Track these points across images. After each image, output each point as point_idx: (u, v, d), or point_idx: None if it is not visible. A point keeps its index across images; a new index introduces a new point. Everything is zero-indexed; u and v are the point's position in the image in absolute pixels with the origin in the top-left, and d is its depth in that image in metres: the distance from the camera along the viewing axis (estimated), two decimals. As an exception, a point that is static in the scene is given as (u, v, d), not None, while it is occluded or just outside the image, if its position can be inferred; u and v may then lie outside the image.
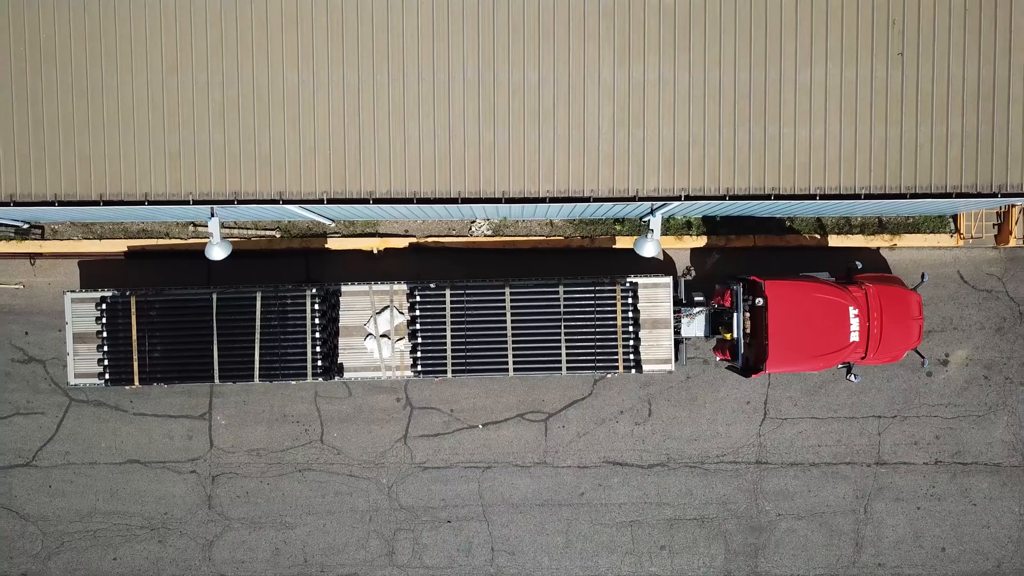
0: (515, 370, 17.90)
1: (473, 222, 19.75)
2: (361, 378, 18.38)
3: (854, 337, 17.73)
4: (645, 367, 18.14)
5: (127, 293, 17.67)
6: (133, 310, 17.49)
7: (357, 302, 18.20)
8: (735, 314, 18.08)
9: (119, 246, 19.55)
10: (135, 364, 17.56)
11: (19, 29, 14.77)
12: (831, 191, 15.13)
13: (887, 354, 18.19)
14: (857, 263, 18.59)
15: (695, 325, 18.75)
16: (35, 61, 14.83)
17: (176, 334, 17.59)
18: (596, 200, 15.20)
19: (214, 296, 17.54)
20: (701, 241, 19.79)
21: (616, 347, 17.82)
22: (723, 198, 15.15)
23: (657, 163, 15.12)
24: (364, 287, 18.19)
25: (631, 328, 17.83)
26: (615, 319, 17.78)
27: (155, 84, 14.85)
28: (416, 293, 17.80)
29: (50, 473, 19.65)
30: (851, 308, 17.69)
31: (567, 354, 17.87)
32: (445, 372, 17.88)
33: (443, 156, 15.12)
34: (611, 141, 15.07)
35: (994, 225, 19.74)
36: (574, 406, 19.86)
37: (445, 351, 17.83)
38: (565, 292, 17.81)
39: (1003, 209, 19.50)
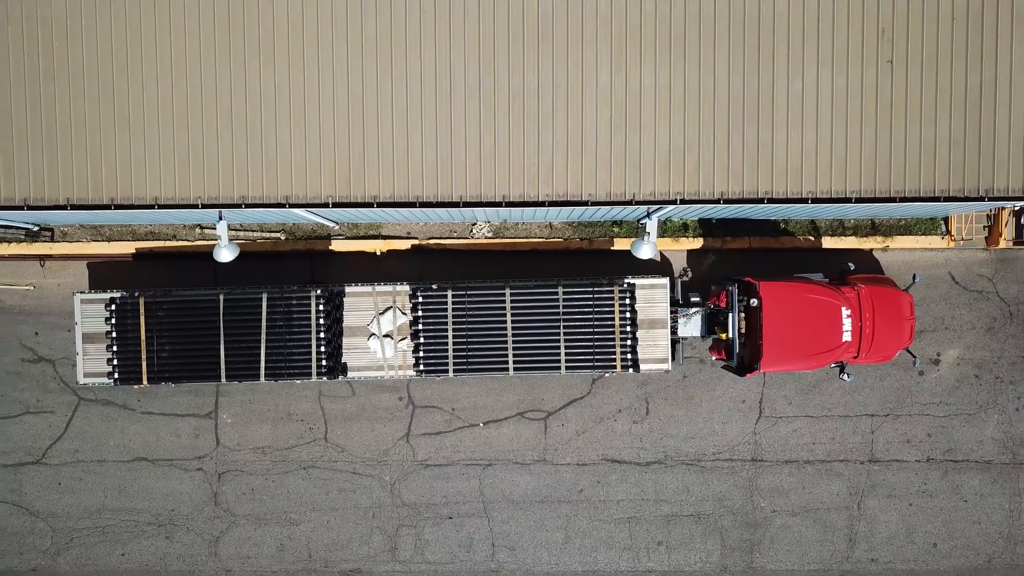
0: (515, 369, 18.05)
1: (474, 224, 19.91)
2: (364, 377, 18.55)
3: (846, 337, 17.87)
4: (642, 366, 18.27)
5: (136, 294, 17.85)
6: (142, 311, 17.70)
7: (360, 303, 18.35)
8: (730, 314, 18.18)
9: (127, 248, 19.74)
10: (143, 363, 17.77)
11: (32, 37, 14.97)
12: (822, 195, 15.26)
13: (879, 353, 18.34)
14: (850, 264, 18.73)
15: (691, 325, 18.86)
16: (48, 68, 15.01)
17: (184, 334, 17.78)
18: (594, 204, 15.32)
19: (221, 297, 17.73)
20: (697, 243, 19.93)
21: (614, 347, 17.99)
22: (717, 202, 15.29)
23: (653, 167, 15.25)
24: (367, 288, 18.33)
25: (629, 328, 17.99)
26: (613, 319, 17.94)
27: (164, 90, 15.01)
28: (418, 294, 17.94)
29: (59, 471, 19.85)
30: (843, 308, 17.85)
31: (566, 354, 18.02)
32: (447, 371, 18.04)
33: (445, 160, 15.25)
34: (608, 146, 15.20)
35: (984, 227, 19.87)
36: (573, 405, 20.02)
37: (447, 351, 17.99)
38: (564, 293, 17.96)
39: (993, 212, 19.63)
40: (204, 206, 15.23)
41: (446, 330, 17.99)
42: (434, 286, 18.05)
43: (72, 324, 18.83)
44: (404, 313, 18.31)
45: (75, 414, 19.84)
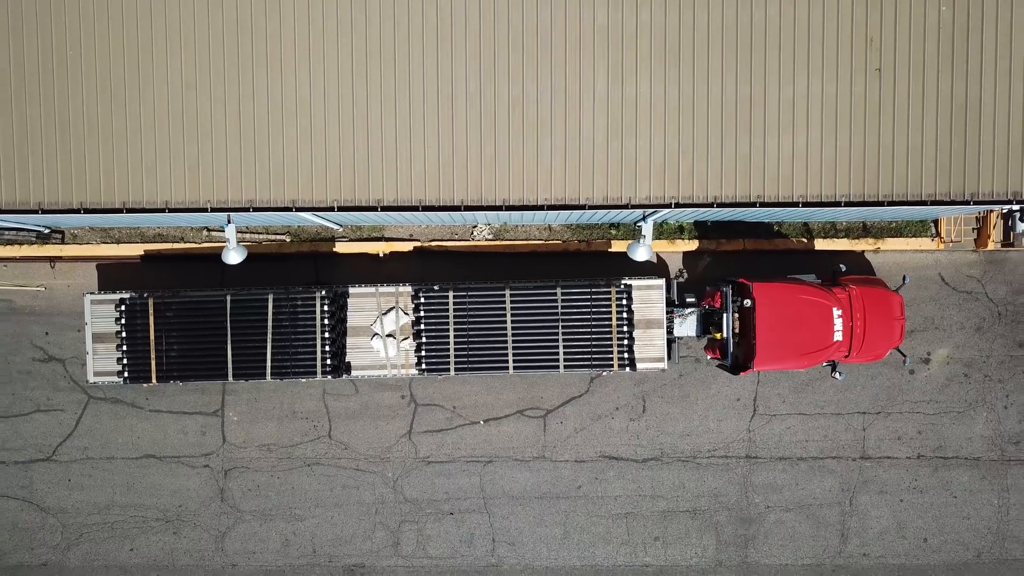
0: (515, 368, 18.19)
1: (475, 227, 20.06)
2: (368, 376, 18.67)
3: (838, 336, 18.00)
4: (639, 365, 18.39)
5: (145, 295, 18.03)
6: (151, 311, 17.91)
7: (364, 303, 18.46)
8: (725, 315, 18.28)
9: (135, 250, 19.91)
10: (152, 362, 17.99)
11: (47, 47, 15.19)
12: (813, 199, 15.43)
13: (870, 353, 18.48)
14: (841, 266, 18.87)
15: (687, 325, 18.96)
16: (61, 76, 15.23)
17: (192, 334, 17.99)
18: (591, 207, 15.49)
19: (228, 298, 17.94)
20: (693, 245, 20.06)
21: (611, 346, 18.15)
22: (711, 205, 15.46)
23: (649, 172, 15.40)
24: (371, 289, 18.45)
25: (626, 328, 18.14)
26: (610, 319, 18.11)
27: (175, 98, 15.21)
28: (420, 295, 18.09)
29: (69, 467, 20.03)
30: (835, 309, 17.99)
31: (565, 353, 18.17)
32: (448, 370, 18.19)
33: (447, 165, 15.41)
34: (605, 151, 15.36)
35: (973, 229, 20.07)
36: (571, 403, 20.16)
37: (448, 350, 18.16)
38: (563, 294, 18.11)
39: (982, 214, 19.84)
40: (213, 210, 15.43)
41: (447, 330, 18.15)
42: (436, 287, 18.20)
43: (81, 324, 19.01)
44: (406, 313, 18.42)
45: (84, 412, 20.01)
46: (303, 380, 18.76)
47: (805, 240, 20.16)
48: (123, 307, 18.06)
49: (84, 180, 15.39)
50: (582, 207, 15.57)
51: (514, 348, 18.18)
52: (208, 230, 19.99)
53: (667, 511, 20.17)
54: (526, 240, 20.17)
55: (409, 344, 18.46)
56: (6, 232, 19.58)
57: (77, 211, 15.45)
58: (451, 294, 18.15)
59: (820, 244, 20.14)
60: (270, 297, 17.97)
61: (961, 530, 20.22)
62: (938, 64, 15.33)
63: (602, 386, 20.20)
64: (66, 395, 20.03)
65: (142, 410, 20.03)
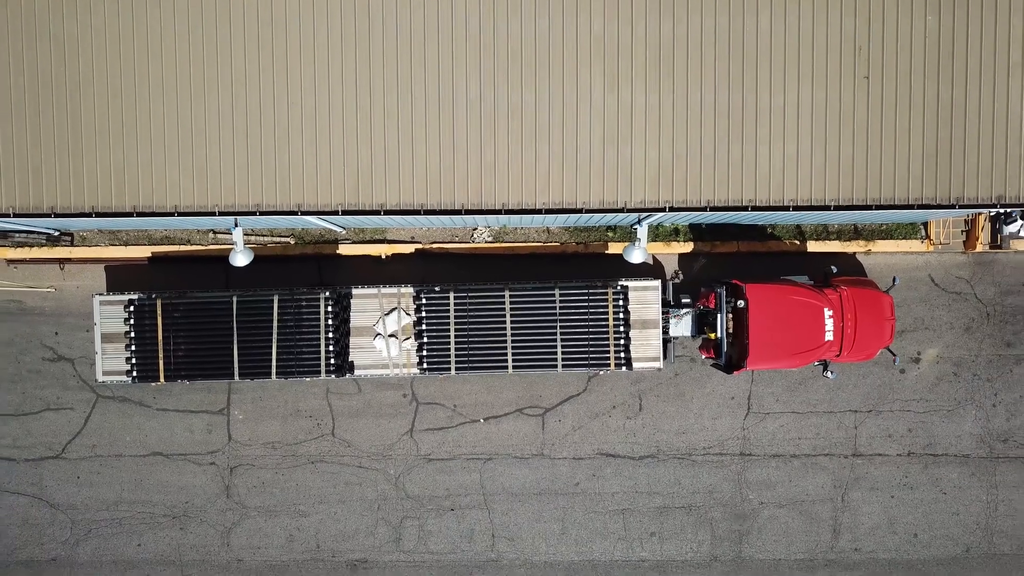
0: (514, 368, 18.38)
1: (475, 229, 20.22)
2: (370, 375, 18.78)
3: (828, 336, 18.19)
4: (635, 365, 18.55)
5: (153, 296, 18.21)
6: (159, 312, 18.12)
7: (367, 304, 18.59)
8: (719, 315, 18.46)
9: (143, 252, 20.09)
10: (160, 362, 18.19)
11: (60, 54, 15.46)
12: (803, 203, 15.61)
13: (861, 352, 18.67)
14: (833, 267, 19.02)
15: (682, 325, 19.12)
16: (74, 84, 15.49)
17: (198, 334, 18.19)
18: (588, 211, 15.68)
19: (234, 299, 18.13)
20: (688, 247, 20.23)
21: (608, 346, 18.32)
22: (704, 209, 15.66)
23: (644, 177, 15.59)
24: (373, 290, 18.58)
25: (622, 328, 18.32)
26: (607, 320, 18.29)
27: (184, 105, 15.45)
28: (422, 296, 18.26)
29: (78, 465, 20.20)
30: (826, 310, 18.19)
31: (563, 353, 18.36)
32: (449, 370, 18.38)
33: (448, 171, 15.61)
34: (601, 157, 15.56)
35: (962, 232, 20.28)
36: (569, 401, 20.34)
37: (449, 350, 18.35)
38: (561, 295, 18.29)
39: (970, 217, 20.04)
40: (221, 213, 15.62)
41: (448, 330, 18.34)
42: (437, 288, 18.38)
43: (90, 324, 19.08)
44: (408, 314, 18.57)
45: (93, 411, 20.17)
46: (307, 379, 18.96)
47: (798, 242, 20.31)
48: (132, 308, 18.23)
49: (95, 185, 15.61)
50: (579, 211, 15.76)
51: (513, 348, 18.36)
52: (214, 232, 20.15)
53: (663, 507, 20.35)
54: (525, 242, 20.37)
55: (411, 344, 18.59)
56: (16, 235, 19.87)
57: (88, 215, 15.67)
58: (452, 295, 18.34)
59: (812, 246, 20.28)
60: (275, 298, 18.16)
61: (950, 526, 20.41)
62: (924, 72, 15.55)
63: (599, 385, 20.40)
64: (75, 394, 20.21)
65: (149, 409, 20.19)
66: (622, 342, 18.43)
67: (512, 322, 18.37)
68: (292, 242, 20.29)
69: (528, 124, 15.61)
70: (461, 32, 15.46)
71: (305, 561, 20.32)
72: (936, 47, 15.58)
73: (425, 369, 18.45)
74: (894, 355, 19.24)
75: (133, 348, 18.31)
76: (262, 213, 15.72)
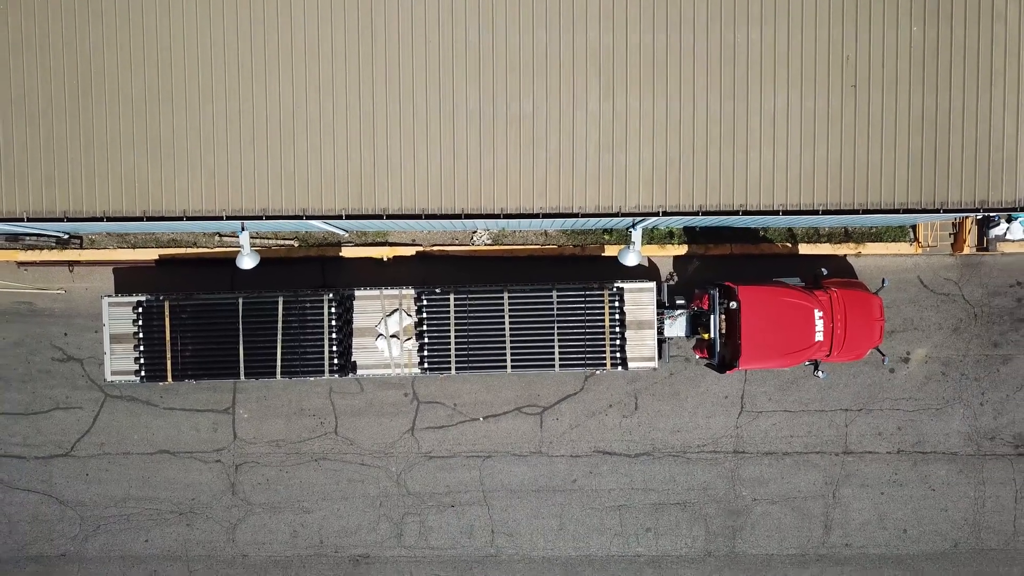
0: (513, 367, 18.53)
1: (474, 232, 20.43)
2: (372, 375, 18.96)
3: (818, 337, 18.42)
4: (631, 364, 18.73)
5: (160, 298, 18.37)
6: (167, 313, 18.29)
7: (369, 305, 18.79)
8: (712, 316, 18.70)
9: (151, 254, 20.28)
10: (168, 362, 18.34)
11: (72, 64, 15.79)
12: (792, 207, 15.94)
13: (851, 352, 18.88)
14: (823, 269, 19.23)
15: (677, 326, 19.33)
16: (86, 93, 15.82)
17: (205, 335, 18.36)
18: (584, 216, 16.00)
19: (240, 300, 18.30)
20: (682, 249, 20.42)
21: (604, 346, 18.48)
22: (697, 213, 15.96)
23: (638, 183, 15.90)
24: (375, 292, 18.75)
25: (618, 329, 18.47)
26: (603, 321, 18.45)
27: (192, 112, 15.76)
28: (423, 297, 18.41)
29: (87, 462, 20.37)
30: (816, 311, 18.42)
31: (560, 353, 18.51)
32: (449, 369, 18.52)
33: (448, 177, 15.92)
34: (597, 163, 15.87)
35: (950, 234, 20.50)
36: (567, 400, 20.50)
37: (449, 350, 18.50)
38: (558, 296, 18.45)
39: (957, 220, 20.26)
40: (228, 218, 15.95)
41: (448, 331, 18.50)
42: (437, 290, 18.54)
43: (99, 325, 19.29)
44: (410, 315, 18.72)
45: (102, 409, 20.35)
46: (311, 379, 19.09)
47: (790, 245, 20.48)
48: (140, 309, 18.40)
49: (107, 190, 15.93)
50: (575, 215, 16.06)
51: (512, 348, 18.52)
52: (220, 235, 20.32)
53: (658, 503, 20.51)
54: (523, 245, 20.54)
55: (412, 344, 18.75)
56: (27, 238, 20.12)
57: (100, 219, 15.98)
58: (452, 297, 18.50)
59: (804, 248, 20.47)
60: (280, 300, 18.35)
61: (939, 521, 20.61)
62: (910, 81, 15.89)
63: (596, 384, 20.56)
64: (84, 393, 20.38)
65: (157, 408, 20.37)
66: (618, 342, 18.59)
67: (511, 323, 18.52)
68: (296, 245, 20.50)
69: (526, 131, 15.95)
70: (461, 43, 15.77)
71: (309, 556, 20.51)
72: (921, 57, 15.93)
73: (426, 369, 18.60)
74: (883, 355, 19.46)
75: (141, 348, 18.49)
76: (268, 217, 16.01)
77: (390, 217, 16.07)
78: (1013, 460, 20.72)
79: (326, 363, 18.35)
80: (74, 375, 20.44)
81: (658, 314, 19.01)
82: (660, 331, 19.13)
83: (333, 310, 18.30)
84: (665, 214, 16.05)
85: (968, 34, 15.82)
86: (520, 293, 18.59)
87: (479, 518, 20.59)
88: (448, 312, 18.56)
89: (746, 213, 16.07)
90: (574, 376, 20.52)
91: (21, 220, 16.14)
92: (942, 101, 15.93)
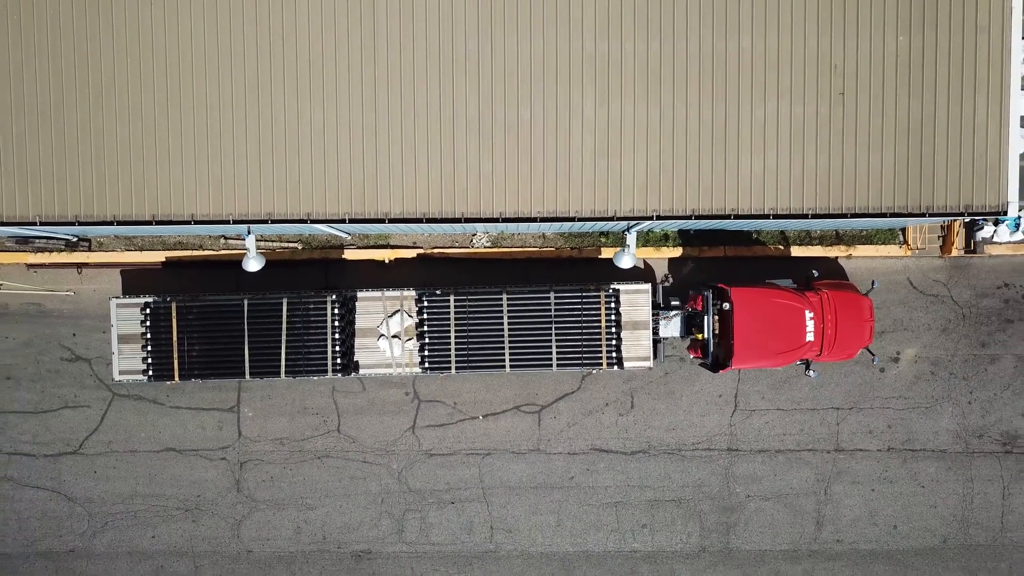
0: (512, 367, 18.71)
1: (474, 235, 20.63)
2: (374, 374, 19.15)
3: (810, 337, 18.66)
4: (627, 364, 18.92)
5: (168, 299, 18.63)
6: (174, 314, 18.55)
7: (371, 306, 18.98)
8: (706, 317, 18.92)
9: (157, 257, 20.52)
10: (175, 362, 18.61)
11: (83, 75, 16.08)
12: (783, 211, 16.20)
13: (841, 352, 19.12)
14: (814, 271, 19.48)
15: (671, 326, 19.46)
16: (96, 101, 16.11)
17: (211, 335, 18.61)
18: (580, 219, 16.23)
19: (245, 302, 18.56)
20: (677, 251, 20.63)
21: (601, 346, 18.71)
22: (689, 217, 16.23)
23: (632, 187, 16.15)
24: (377, 293, 18.97)
25: (614, 329, 18.68)
26: (600, 321, 18.68)
27: (200, 120, 16.05)
28: (424, 298, 18.58)
29: (95, 460, 20.58)
30: (807, 311, 18.68)
31: (557, 353, 18.70)
32: (449, 369, 18.70)
33: (448, 181, 16.15)
34: (593, 169, 16.12)
35: (939, 237, 20.71)
36: (564, 399, 20.67)
37: (449, 350, 18.69)
38: (556, 297, 18.64)
39: (946, 223, 20.51)
40: (235, 222, 16.22)
41: (449, 331, 18.69)
42: (438, 291, 18.72)
43: (107, 326, 19.43)
44: (411, 316, 18.87)
45: (109, 408, 20.51)
46: (314, 378, 19.39)
47: (782, 247, 20.71)
48: (147, 310, 18.63)
49: (117, 195, 16.20)
50: (572, 219, 16.31)
51: (511, 348, 18.69)
52: (225, 238, 20.59)
53: (654, 500, 20.69)
54: (522, 247, 20.72)
55: (413, 344, 18.91)
56: (37, 240, 20.41)
57: (110, 223, 16.25)
58: (452, 298, 18.65)
59: (796, 251, 20.68)
60: (284, 301, 18.58)
61: (928, 518, 20.81)
62: (896, 88, 16.14)
63: (593, 383, 20.74)
64: (92, 392, 20.55)
65: (163, 406, 20.56)
66: (614, 342, 18.76)
67: (509, 324, 18.69)
68: (300, 247, 20.73)
69: (523, 138, 16.18)
70: (460, 53, 16.03)
71: (312, 552, 20.72)
72: (907, 65, 16.19)
73: (426, 368, 18.74)
74: (873, 355, 19.71)
75: (149, 348, 18.72)
76: (274, 221, 16.28)
77: (392, 221, 16.29)
78: (1000, 457, 20.95)
79: (329, 363, 18.56)
80: (82, 374, 20.65)
81: (653, 315, 19.17)
82: (655, 331, 19.27)
83: (336, 311, 18.53)
84: (659, 218, 16.29)
85: (952, 44, 16.07)
86: (519, 294, 18.76)
87: (478, 514, 20.77)
88: (448, 313, 18.76)
89: (738, 217, 16.30)
90: (571, 375, 20.68)
91: (33, 224, 16.42)
92: (927, 108, 16.17)
